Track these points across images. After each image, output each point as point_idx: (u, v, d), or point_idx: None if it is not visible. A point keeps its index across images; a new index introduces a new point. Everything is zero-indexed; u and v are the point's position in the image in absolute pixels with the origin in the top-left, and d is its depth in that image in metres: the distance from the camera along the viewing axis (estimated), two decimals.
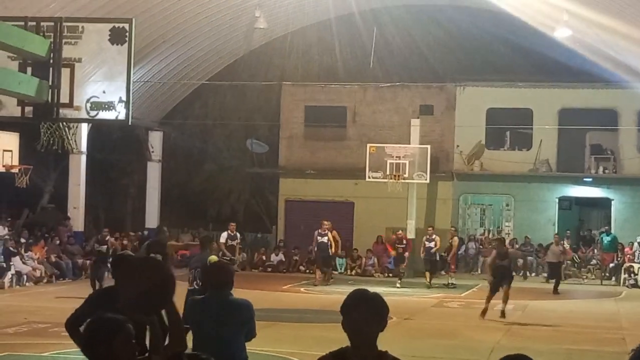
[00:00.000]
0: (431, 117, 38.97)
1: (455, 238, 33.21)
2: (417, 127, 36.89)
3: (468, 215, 39.58)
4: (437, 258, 32.27)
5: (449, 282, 32.23)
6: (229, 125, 41.45)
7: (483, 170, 38.53)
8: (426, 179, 35.60)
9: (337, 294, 28.64)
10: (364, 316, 4.94)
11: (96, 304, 8.45)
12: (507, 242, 34.80)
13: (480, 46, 38.38)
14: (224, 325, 8.26)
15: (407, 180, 35.37)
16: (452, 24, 38.49)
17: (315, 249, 32.16)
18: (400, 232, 33.22)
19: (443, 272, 32.89)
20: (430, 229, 32.78)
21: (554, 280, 31.65)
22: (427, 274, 31.92)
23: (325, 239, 31.61)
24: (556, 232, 36.74)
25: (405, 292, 30.24)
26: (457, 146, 38.79)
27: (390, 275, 36.03)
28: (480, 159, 38.64)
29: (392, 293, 29.50)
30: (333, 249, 32.40)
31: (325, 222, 32.10)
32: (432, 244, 31.92)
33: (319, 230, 31.86)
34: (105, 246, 27.05)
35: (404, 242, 32.52)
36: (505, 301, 22.28)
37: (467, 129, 38.08)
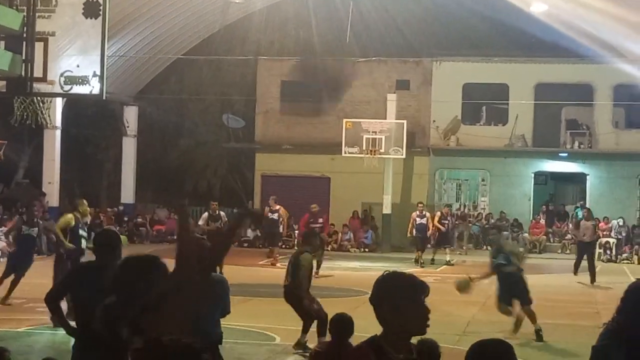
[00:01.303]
0: (407, 92, 38.95)
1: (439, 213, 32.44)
2: (394, 102, 36.88)
3: (444, 190, 39.66)
4: (428, 235, 31.23)
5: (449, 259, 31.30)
6: (205, 100, 41.30)
7: (459, 145, 38.58)
8: (402, 154, 35.62)
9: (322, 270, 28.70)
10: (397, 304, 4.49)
11: (78, 279, 8.39)
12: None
13: (457, 21, 38.31)
14: (204, 301, 8.21)
15: (383, 156, 35.38)
16: None
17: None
18: (314, 206, 30.17)
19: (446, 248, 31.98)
20: (420, 204, 31.61)
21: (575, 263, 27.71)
22: (419, 253, 30.63)
23: (275, 216, 30.24)
24: (531, 206, 36.95)
25: (381, 267, 30.26)
26: (434, 121, 38.81)
27: (367, 250, 36.12)
28: (456, 134, 38.68)
29: (368, 268, 29.58)
30: (284, 226, 31.42)
31: (273, 198, 30.96)
32: (423, 220, 30.64)
33: (269, 207, 30.58)
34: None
35: (320, 221, 30.03)
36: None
37: (443, 104, 38.07)
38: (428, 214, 31.17)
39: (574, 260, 27.70)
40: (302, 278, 14.10)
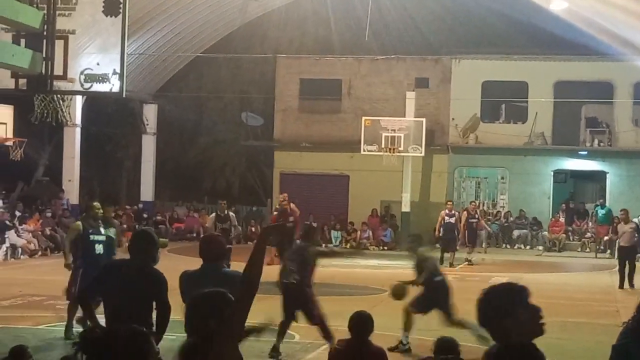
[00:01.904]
0: (426, 90, 38.89)
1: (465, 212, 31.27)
2: (413, 100, 36.83)
3: (463, 188, 39.58)
4: (457, 234, 29.87)
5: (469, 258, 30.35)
6: (224, 98, 41.34)
7: (478, 143, 38.51)
8: (421, 152, 35.57)
9: (332, 267, 28.65)
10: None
11: (110, 277, 8.46)
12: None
13: (476, 19, 38.25)
14: None
15: (402, 154, 35.33)
16: None
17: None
18: (284, 196, 28.87)
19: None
20: (449, 202, 30.78)
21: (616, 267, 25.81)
22: (451, 253, 28.95)
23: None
24: (551, 205, 36.84)
25: (400, 265, 30.22)
26: (453, 119, 38.76)
27: (385, 248, 36.08)
28: (475, 132, 38.60)
29: (386, 266, 29.57)
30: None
31: (281, 196, 29.62)
32: (452, 219, 29.37)
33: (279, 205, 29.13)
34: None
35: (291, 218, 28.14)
36: None
37: (462, 102, 38.01)
38: (457, 213, 30.26)
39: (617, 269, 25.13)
40: (311, 275, 13.94)
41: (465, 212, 31.19)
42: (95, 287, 8.59)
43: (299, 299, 13.70)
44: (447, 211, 29.73)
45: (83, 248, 14.38)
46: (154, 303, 8.37)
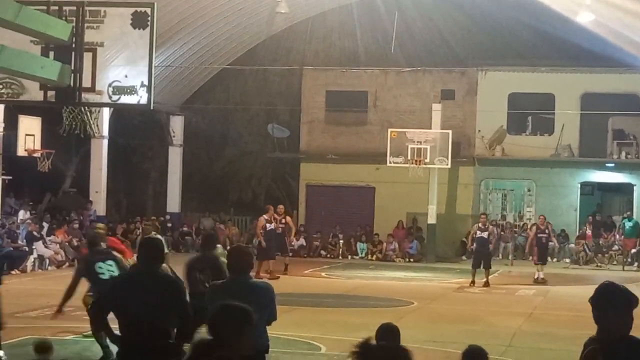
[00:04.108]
0: (452, 101, 38.85)
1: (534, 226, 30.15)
2: (439, 111, 36.76)
3: (489, 200, 39.46)
4: (491, 250, 28.50)
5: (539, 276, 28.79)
6: (250, 110, 41.46)
7: (505, 155, 38.40)
8: (447, 164, 35.50)
9: (358, 278, 28.72)
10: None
11: (123, 288, 8.47)
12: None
13: (503, 30, 38.18)
14: None
15: (428, 165, 35.29)
16: (474, 8, 38.27)
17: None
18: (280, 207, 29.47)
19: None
20: (483, 216, 30.18)
21: None
22: (486, 271, 27.22)
23: (282, 225, 28.88)
24: (577, 217, 36.64)
25: (426, 277, 30.22)
26: (479, 131, 38.68)
27: (412, 260, 36.04)
28: (501, 144, 38.51)
29: (412, 278, 29.55)
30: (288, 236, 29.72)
31: (280, 207, 29.79)
32: (484, 234, 27.95)
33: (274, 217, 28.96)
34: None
35: (283, 222, 28.94)
36: None
37: (488, 113, 37.94)
38: (492, 227, 28.99)
39: None
40: None
41: (534, 227, 30.38)
42: (110, 297, 8.54)
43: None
44: (480, 225, 28.33)
45: (90, 282, 13.66)
46: (174, 313, 8.27)
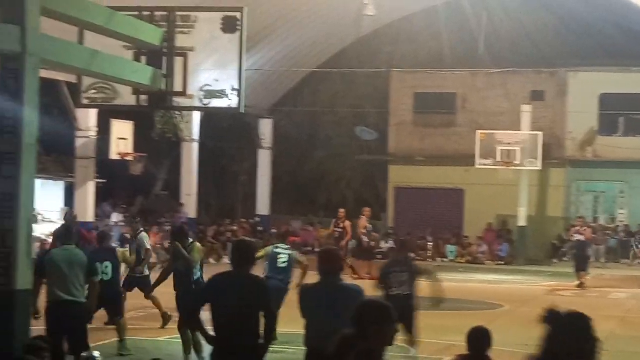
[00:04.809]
0: (542, 102, 38.45)
1: None
2: (528, 113, 36.46)
3: (581, 202, 38.93)
4: (590, 253, 28.24)
5: None
6: (338, 113, 41.57)
7: (596, 156, 37.90)
8: (538, 166, 35.17)
9: (447, 281, 28.48)
10: None
11: (217, 288, 8.58)
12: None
13: (592, 31, 37.72)
14: (336, 310, 8.32)
15: (518, 167, 35.00)
16: (562, 9, 37.89)
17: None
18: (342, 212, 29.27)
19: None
20: (580, 219, 29.89)
21: None
22: (582, 274, 27.07)
23: (340, 230, 28.76)
24: None
25: (516, 280, 29.96)
26: (570, 132, 38.24)
27: (502, 262, 35.77)
28: (593, 145, 38.00)
29: (503, 281, 29.32)
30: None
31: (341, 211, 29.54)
32: (582, 237, 27.84)
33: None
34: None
35: (341, 226, 28.71)
36: None
37: (579, 114, 37.48)
38: (588, 230, 28.60)
39: None
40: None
41: None
42: (202, 298, 8.69)
43: (405, 311, 13.30)
44: (579, 227, 28.72)
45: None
46: (262, 313, 8.45)
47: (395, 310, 5.64)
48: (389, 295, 13.11)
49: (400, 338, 14.00)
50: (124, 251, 17.52)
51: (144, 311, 19.33)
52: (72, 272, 11.44)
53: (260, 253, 14.82)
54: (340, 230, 28.72)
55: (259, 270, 8.75)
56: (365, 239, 28.89)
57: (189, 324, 8.78)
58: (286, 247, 16.15)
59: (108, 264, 14.88)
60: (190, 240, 14.33)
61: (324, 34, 37.78)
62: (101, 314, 15.08)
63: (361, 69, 38.83)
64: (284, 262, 15.66)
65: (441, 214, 39.25)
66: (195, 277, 13.66)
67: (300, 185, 42.13)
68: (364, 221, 29.03)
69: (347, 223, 28.99)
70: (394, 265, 13.99)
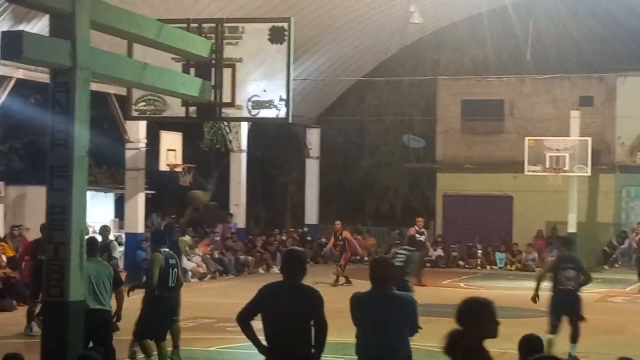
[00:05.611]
0: (591, 108, 38.18)
1: None
2: (577, 119, 36.21)
3: (632, 208, 38.57)
4: None
5: None
6: (385, 121, 41.57)
7: None
8: (587, 172, 34.91)
9: (497, 289, 28.42)
10: None
11: (268, 297, 8.61)
12: None
13: (637, 36, 37.46)
14: (387, 319, 8.34)
15: (567, 174, 34.77)
16: (607, 15, 37.60)
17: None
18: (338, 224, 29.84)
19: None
20: (638, 226, 29.57)
21: None
22: None
23: (340, 242, 29.29)
24: None
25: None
26: (619, 137, 37.93)
27: None
28: None
29: (546, 288, 29.05)
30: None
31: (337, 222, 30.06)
32: None
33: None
34: None
35: (340, 238, 29.17)
36: None
37: (629, 119, 37.19)
38: None
39: None
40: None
41: None
42: (254, 308, 8.71)
43: (571, 303, 15.62)
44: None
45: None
46: (313, 322, 8.45)
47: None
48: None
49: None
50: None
51: (194, 321, 19.46)
52: (99, 282, 12.13)
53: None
54: (340, 242, 29.18)
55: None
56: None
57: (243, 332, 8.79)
58: (410, 249, 18.23)
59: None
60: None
61: (370, 43, 37.81)
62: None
63: (408, 77, 38.79)
64: (400, 262, 17.01)
65: (490, 221, 39.08)
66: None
67: (348, 194, 42.14)
68: (412, 231, 28.92)
69: (346, 233, 29.58)
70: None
